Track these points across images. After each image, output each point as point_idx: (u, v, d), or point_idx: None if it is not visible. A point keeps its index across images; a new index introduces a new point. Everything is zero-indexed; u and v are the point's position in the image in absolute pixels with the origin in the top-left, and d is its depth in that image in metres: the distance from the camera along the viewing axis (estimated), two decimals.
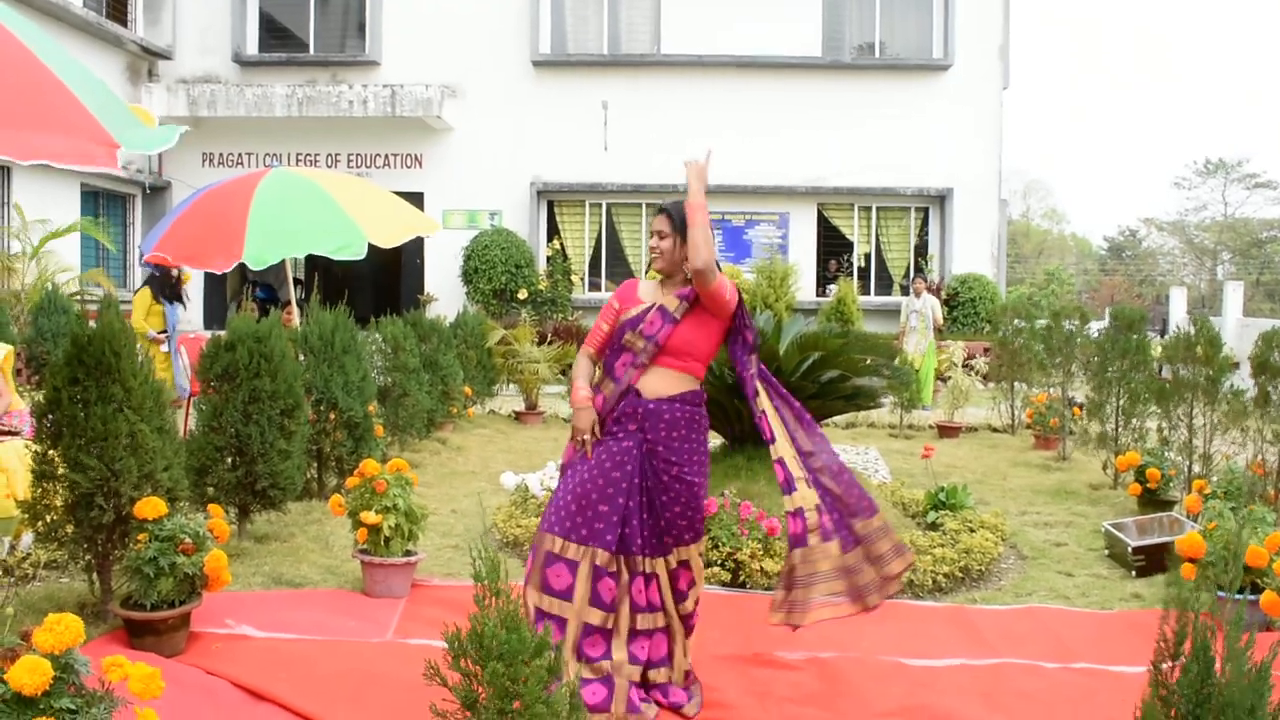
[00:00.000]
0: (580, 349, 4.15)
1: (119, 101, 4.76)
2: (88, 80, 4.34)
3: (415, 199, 18.46)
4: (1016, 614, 5.34)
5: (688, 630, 4.07)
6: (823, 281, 19.87)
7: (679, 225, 3.98)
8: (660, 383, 3.94)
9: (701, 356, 4.02)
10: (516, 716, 2.15)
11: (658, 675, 3.97)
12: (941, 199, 19.61)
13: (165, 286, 9.49)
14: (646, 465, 3.91)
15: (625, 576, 3.89)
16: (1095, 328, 10.28)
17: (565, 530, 3.87)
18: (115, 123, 4.10)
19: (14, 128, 3.81)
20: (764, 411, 4.03)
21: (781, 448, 4.01)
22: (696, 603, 4.08)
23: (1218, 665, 2.20)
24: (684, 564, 4.01)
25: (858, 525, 4.05)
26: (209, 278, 19.63)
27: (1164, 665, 2.30)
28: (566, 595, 3.83)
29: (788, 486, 3.98)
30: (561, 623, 3.82)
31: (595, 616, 3.84)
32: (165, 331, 9.31)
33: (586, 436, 3.96)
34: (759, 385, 4.06)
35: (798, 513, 3.96)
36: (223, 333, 6.19)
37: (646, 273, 17.86)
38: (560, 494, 3.97)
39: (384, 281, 21.64)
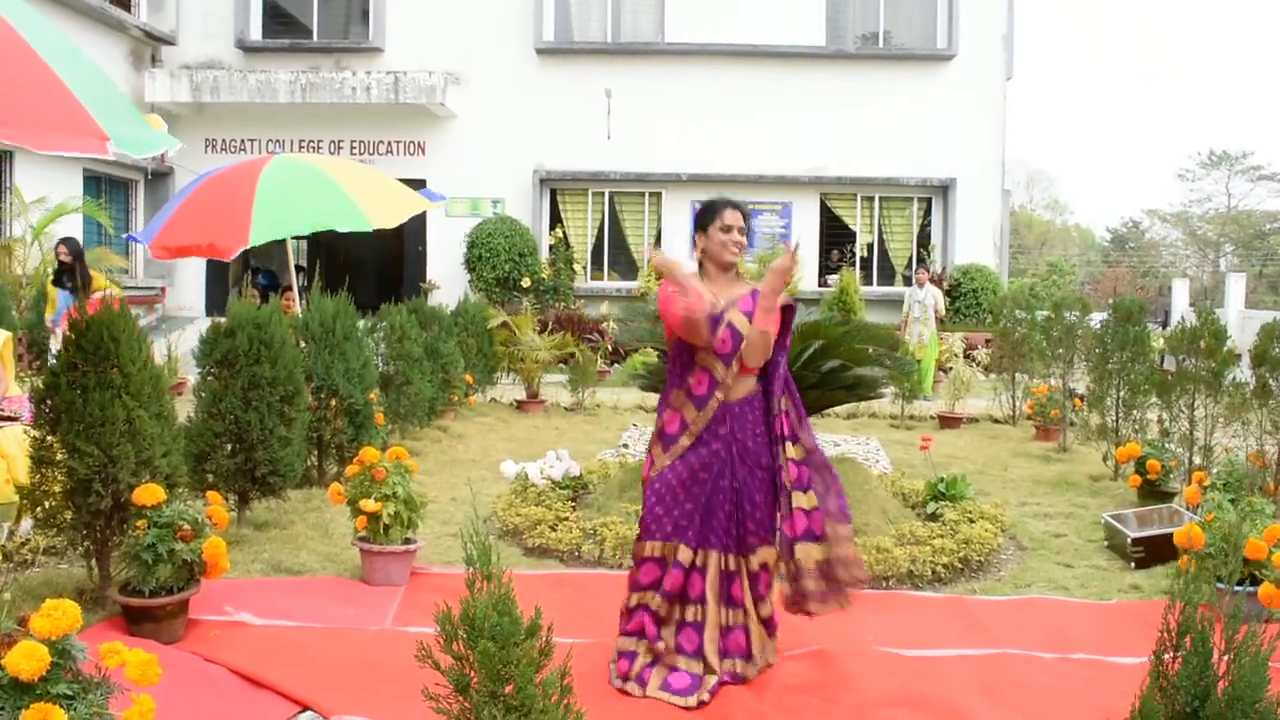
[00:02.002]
0: (686, 313, 3.92)
1: (121, 97, 4.73)
2: (86, 74, 4.31)
3: (418, 186, 18.31)
4: (1016, 605, 5.34)
5: (770, 631, 4.24)
6: (825, 271, 19.85)
7: (750, 223, 4.22)
8: (740, 388, 4.11)
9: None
10: (508, 700, 2.15)
11: (746, 670, 4.10)
12: (944, 189, 19.58)
13: (65, 274, 9.58)
14: (737, 465, 4.08)
15: (713, 572, 4.06)
16: (1097, 319, 10.26)
17: (650, 534, 4.11)
18: (110, 117, 4.08)
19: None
20: (786, 411, 4.18)
21: (794, 450, 4.16)
22: (772, 605, 4.25)
23: (1216, 657, 2.20)
24: (764, 566, 4.17)
25: (830, 530, 4.18)
26: (210, 263, 19.61)
27: (1165, 656, 2.30)
28: (653, 587, 4.09)
29: (800, 484, 4.12)
30: (651, 612, 4.07)
31: (655, 601, 4.06)
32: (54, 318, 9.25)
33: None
34: (780, 388, 4.19)
35: (811, 511, 4.12)
36: (223, 319, 6.19)
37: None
38: (650, 503, 4.14)
39: (387, 268, 21.65)
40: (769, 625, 4.22)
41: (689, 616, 4.06)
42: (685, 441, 4.08)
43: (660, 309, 4.08)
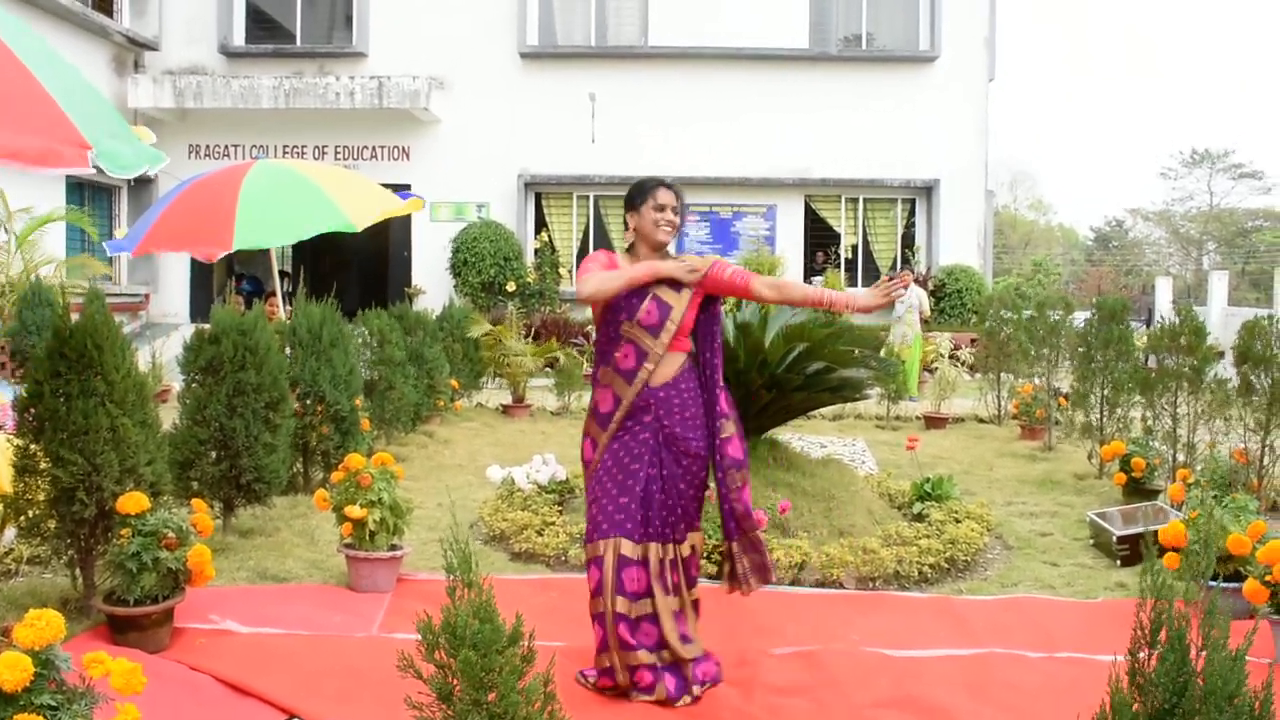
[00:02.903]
0: (586, 276, 4.01)
1: (109, 110, 4.71)
2: (71, 84, 4.30)
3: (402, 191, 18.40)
4: (1002, 604, 5.35)
5: (697, 613, 4.21)
6: (810, 273, 19.88)
7: (683, 203, 4.16)
8: (667, 368, 4.03)
9: (690, 331, 4.13)
10: (491, 707, 2.15)
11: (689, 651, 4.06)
12: (928, 190, 19.63)
13: None
14: (664, 452, 4.01)
15: (655, 564, 3.99)
16: (1080, 318, 10.31)
17: (601, 532, 4.00)
18: (95, 129, 4.06)
19: None
20: (724, 387, 4.15)
21: (732, 426, 4.11)
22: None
23: (1193, 654, 2.21)
24: (694, 550, 4.17)
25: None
26: (195, 270, 19.57)
27: (1140, 654, 2.31)
28: (598, 591, 3.96)
29: (737, 464, 4.09)
30: (600, 617, 3.96)
31: (622, 605, 3.92)
32: None
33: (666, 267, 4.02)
34: (722, 358, 4.15)
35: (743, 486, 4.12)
36: (207, 325, 6.17)
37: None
38: (595, 495, 4.07)
39: (371, 274, 21.61)
40: (696, 608, 4.20)
41: (641, 611, 3.97)
42: (619, 415, 4.01)
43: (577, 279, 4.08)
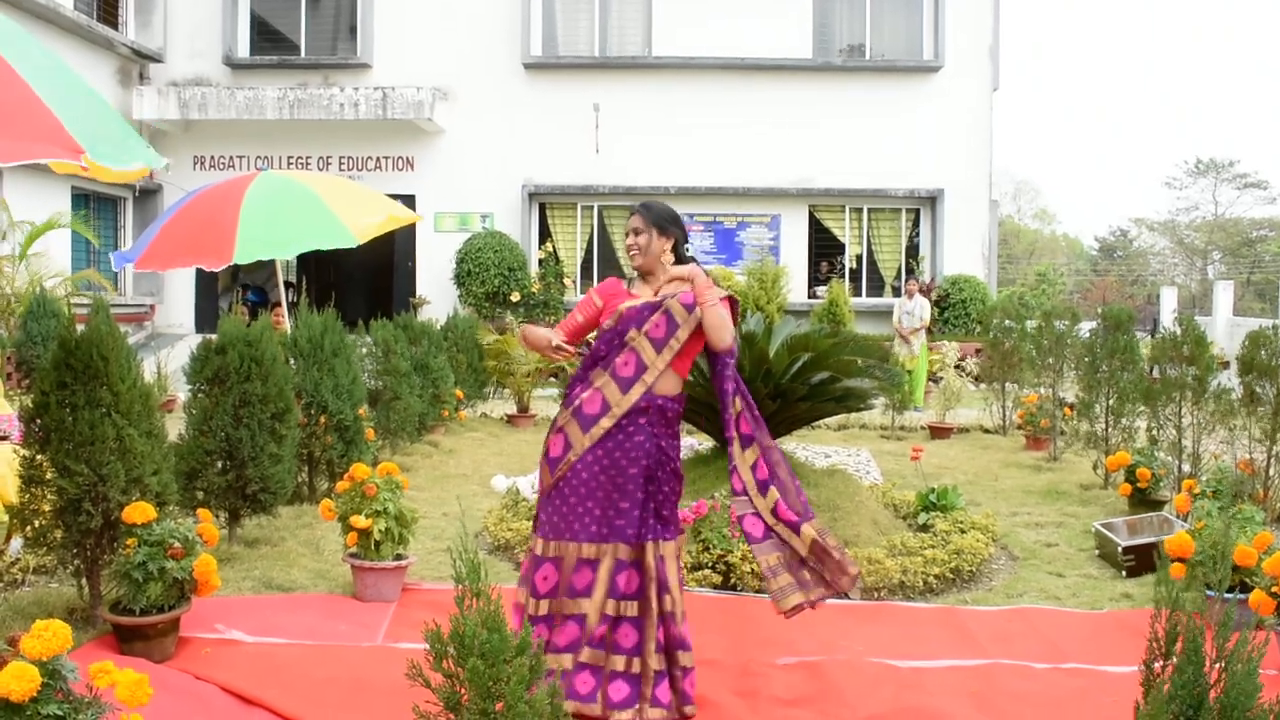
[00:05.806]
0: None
1: (108, 112, 4.71)
2: (66, 90, 4.29)
3: (407, 201, 18.44)
4: (1007, 615, 5.35)
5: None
6: (814, 283, 19.89)
7: (654, 221, 4.09)
8: (667, 382, 4.00)
9: (693, 358, 4.10)
10: (499, 716, 2.15)
11: (686, 659, 3.97)
12: (932, 200, 19.63)
13: None
14: (655, 459, 3.95)
15: (650, 566, 3.91)
16: (1086, 328, 10.31)
17: (575, 533, 3.91)
18: (88, 132, 4.05)
19: None
20: (742, 413, 4.05)
21: (741, 455, 4.04)
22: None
23: (1208, 665, 2.20)
24: (675, 555, 4.10)
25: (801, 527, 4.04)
26: (200, 280, 19.60)
27: (1155, 665, 2.30)
28: (587, 592, 3.87)
29: (763, 486, 4.03)
30: (581, 619, 3.87)
31: (611, 608, 3.88)
32: None
33: (555, 341, 4.06)
34: (733, 387, 4.04)
35: (755, 515, 4.00)
36: (213, 336, 6.17)
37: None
38: (561, 497, 3.97)
39: (376, 284, 21.64)
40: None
41: (626, 612, 3.89)
42: (606, 423, 3.92)
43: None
